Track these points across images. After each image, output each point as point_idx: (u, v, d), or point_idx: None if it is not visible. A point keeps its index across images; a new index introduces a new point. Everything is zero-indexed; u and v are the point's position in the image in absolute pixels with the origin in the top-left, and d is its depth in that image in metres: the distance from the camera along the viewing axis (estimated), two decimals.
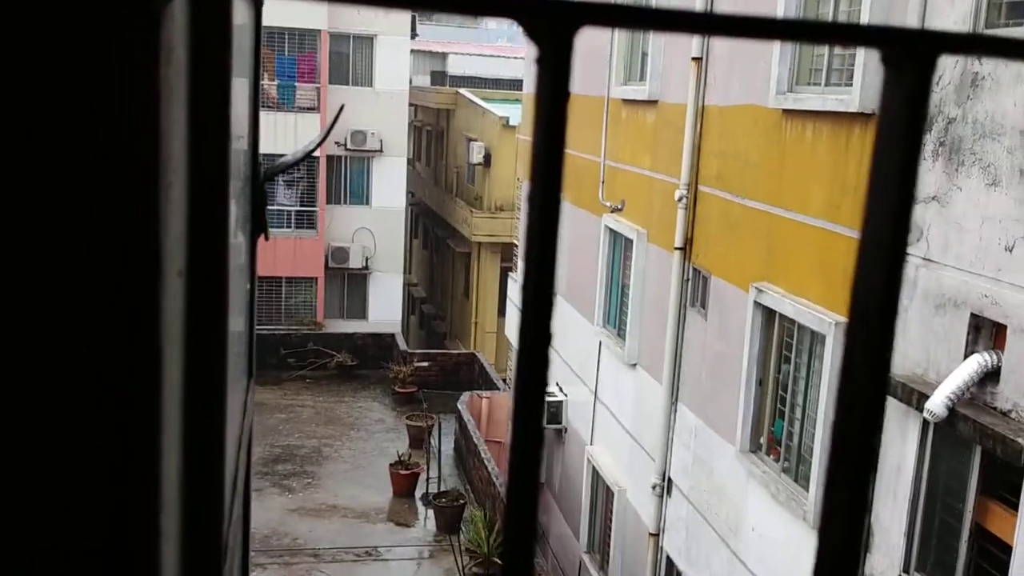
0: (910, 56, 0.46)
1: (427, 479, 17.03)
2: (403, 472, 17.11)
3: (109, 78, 0.52)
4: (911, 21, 6.85)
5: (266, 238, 1.62)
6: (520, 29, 0.44)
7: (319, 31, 24.36)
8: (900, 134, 0.46)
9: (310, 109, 24.39)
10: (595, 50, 13.33)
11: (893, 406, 6.88)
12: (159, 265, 0.57)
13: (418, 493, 17.16)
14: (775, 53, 8.66)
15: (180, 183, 0.69)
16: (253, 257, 1.63)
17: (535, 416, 0.45)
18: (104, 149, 0.53)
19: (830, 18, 8.13)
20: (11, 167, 0.52)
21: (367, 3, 0.43)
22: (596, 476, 13.19)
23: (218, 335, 0.87)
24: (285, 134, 23.11)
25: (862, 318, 0.49)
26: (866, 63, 7.36)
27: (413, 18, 26.34)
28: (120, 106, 0.52)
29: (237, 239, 1.20)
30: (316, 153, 24.29)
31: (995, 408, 6.04)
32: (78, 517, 0.57)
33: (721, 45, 9.94)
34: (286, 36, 24.22)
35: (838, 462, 0.48)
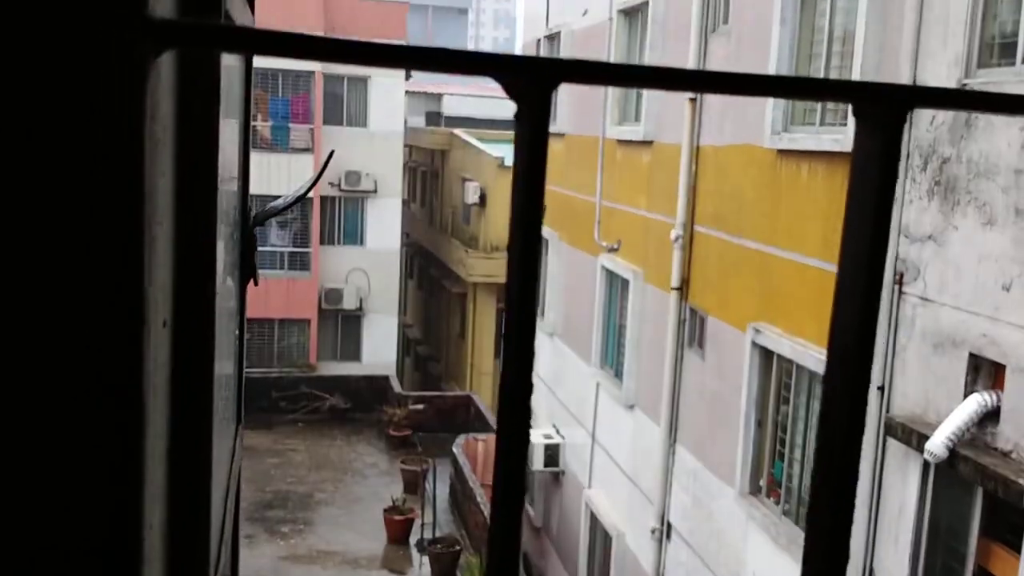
0: (881, 110, 0.47)
1: (422, 525, 16.81)
2: (397, 518, 16.90)
3: (94, 132, 0.53)
4: (903, 63, 6.89)
5: (255, 283, 1.58)
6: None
7: (313, 72, 24.53)
8: (872, 187, 0.48)
9: (304, 150, 24.48)
10: (589, 91, 13.42)
11: (893, 447, 6.81)
12: (142, 316, 0.57)
13: (413, 539, 16.93)
14: None
15: (166, 234, 0.70)
16: (242, 302, 1.59)
17: (518, 461, 0.46)
18: (87, 202, 0.54)
19: (823, 60, 8.19)
20: None
21: (354, 61, 0.45)
22: (594, 520, 13.03)
23: (204, 385, 0.86)
24: (278, 175, 23.15)
25: (842, 361, 0.51)
26: None
27: None
28: (104, 160, 0.54)
29: (226, 284, 1.17)
30: (310, 194, 24.34)
31: (996, 449, 5.97)
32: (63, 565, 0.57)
33: None
34: (280, 77, 24.38)
35: (821, 487, 0.50)
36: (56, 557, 0.57)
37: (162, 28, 0.48)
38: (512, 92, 0.44)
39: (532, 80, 0.44)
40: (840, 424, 0.49)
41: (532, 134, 0.44)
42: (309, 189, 2.15)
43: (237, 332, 1.50)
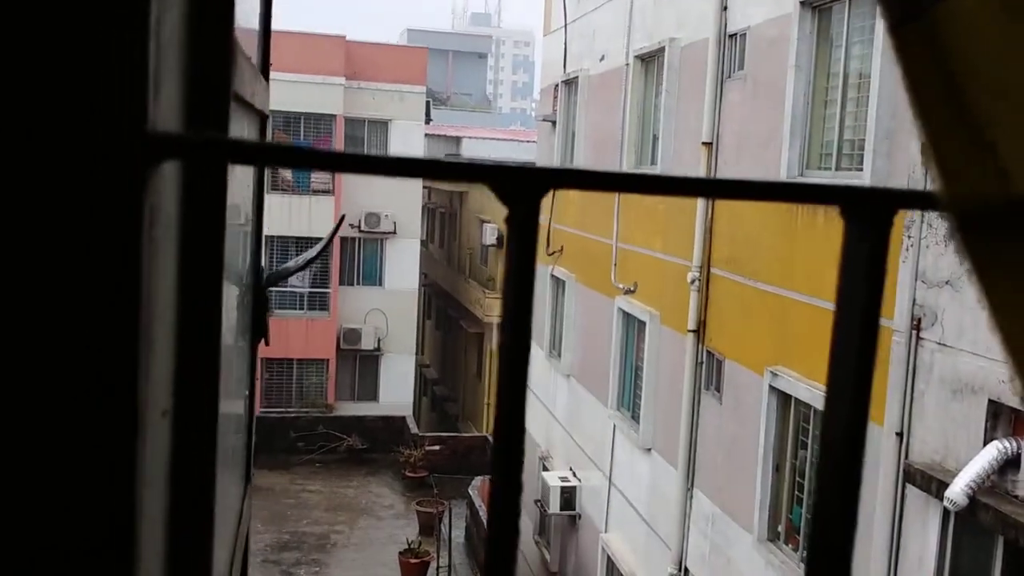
0: (868, 212, 0.49)
1: (437, 568, 16.68)
2: (413, 560, 16.78)
3: (90, 239, 0.52)
4: None
5: (266, 343, 1.61)
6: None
7: (334, 116, 24.83)
8: (861, 286, 0.49)
9: (324, 192, 24.71)
10: (607, 133, 13.53)
11: (912, 494, 6.73)
12: (135, 415, 0.55)
13: None
14: (785, 137, 8.75)
15: (166, 333, 0.69)
16: (253, 362, 1.61)
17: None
18: (83, 307, 0.53)
19: (839, 106, 8.22)
20: None
21: (355, 170, 0.47)
22: (611, 564, 12.89)
23: (205, 476, 0.85)
24: (299, 217, 23.38)
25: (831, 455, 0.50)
26: (875, 148, 7.42)
27: (427, 103, 26.86)
28: (100, 266, 0.53)
29: (236, 346, 1.18)
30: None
31: (1016, 496, 5.90)
32: None
33: (731, 130, 10.06)
34: (302, 120, 24.69)
35: (822, 532, 0.50)
36: None
37: (160, 142, 0.48)
38: (504, 197, 0.47)
39: (523, 187, 0.46)
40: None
41: (522, 235, 0.46)
42: (320, 253, 2.19)
43: (247, 392, 1.52)
